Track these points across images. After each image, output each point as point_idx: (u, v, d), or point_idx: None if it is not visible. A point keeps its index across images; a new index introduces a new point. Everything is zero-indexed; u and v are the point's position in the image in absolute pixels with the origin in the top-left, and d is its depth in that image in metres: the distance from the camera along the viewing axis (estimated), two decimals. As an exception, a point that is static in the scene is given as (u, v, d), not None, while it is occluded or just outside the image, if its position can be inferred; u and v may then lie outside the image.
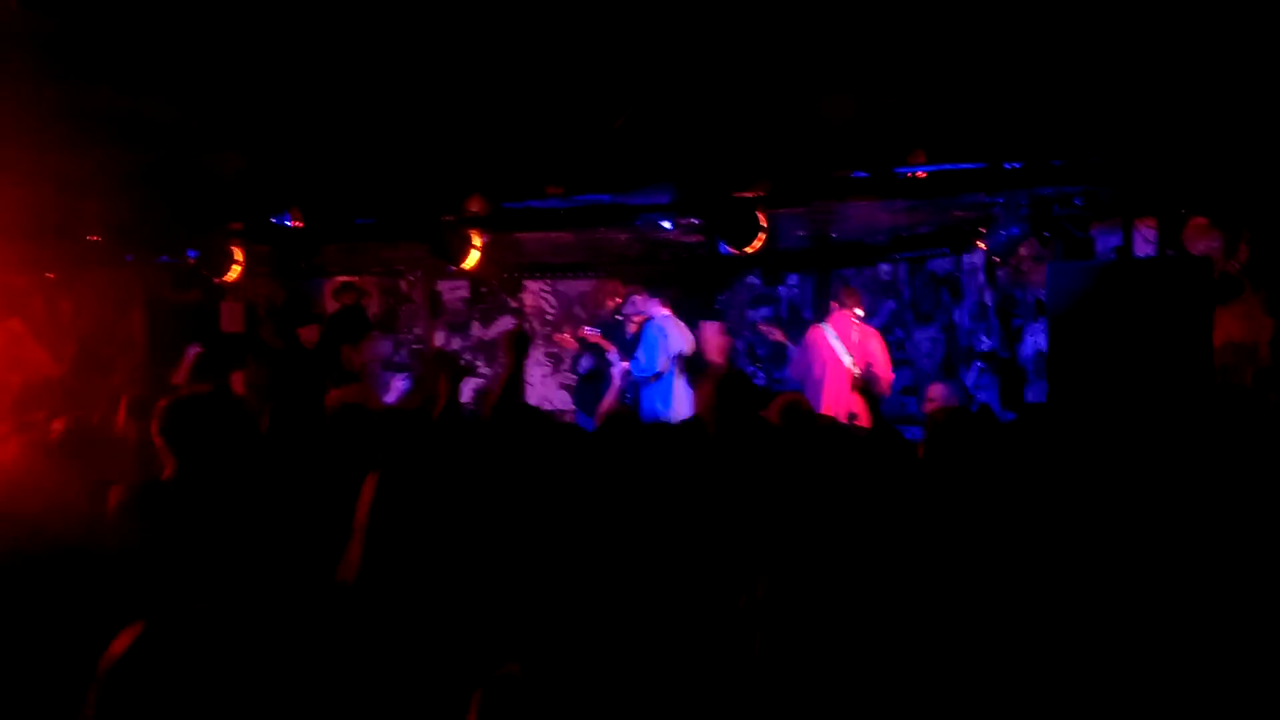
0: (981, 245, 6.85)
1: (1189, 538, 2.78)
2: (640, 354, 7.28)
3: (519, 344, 3.70)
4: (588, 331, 8.21)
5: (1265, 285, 5.08)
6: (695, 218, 5.78)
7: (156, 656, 1.30)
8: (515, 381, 3.62)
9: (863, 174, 4.84)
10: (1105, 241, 5.98)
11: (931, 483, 3.15)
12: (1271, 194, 4.93)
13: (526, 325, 10.01)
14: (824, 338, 7.03)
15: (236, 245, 6.47)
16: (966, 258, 7.82)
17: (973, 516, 2.80)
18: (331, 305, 9.67)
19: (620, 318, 8.37)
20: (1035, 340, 6.90)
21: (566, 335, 8.52)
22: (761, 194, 5.17)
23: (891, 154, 4.76)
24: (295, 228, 6.04)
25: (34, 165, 4.92)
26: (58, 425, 3.35)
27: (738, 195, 5.23)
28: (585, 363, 8.34)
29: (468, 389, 9.73)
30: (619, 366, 7.65)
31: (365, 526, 1.84)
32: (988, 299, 7.57)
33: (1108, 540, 2.83)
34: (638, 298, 7.49)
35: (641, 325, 7.50)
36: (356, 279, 9.73)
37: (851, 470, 2.94)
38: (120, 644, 1.31)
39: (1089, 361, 5.06)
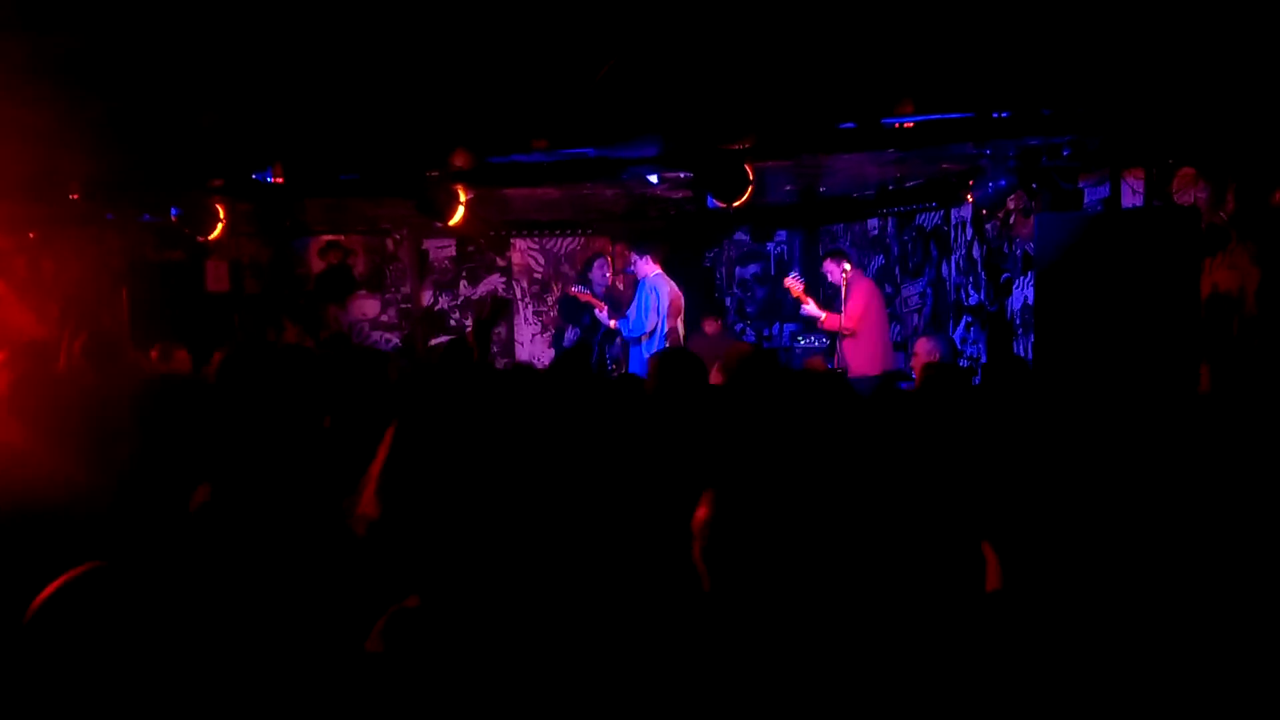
0: (970, 198, 6.83)
1: (1176, 493, 2.80)
2: (631, 312, 7.28)
3: (496, 307, 3.68)
4: (576, 290, 8.20)
5: (1252, 235, 5.08)
6: (682, 171, 5.74)
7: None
8: (483, 340, 3.61)
9: (850, 125, 4.79)
10: (1093, 194, 5.97)
11: (919, 434, 3.16)
12: (1258, 143, 4.92)
13: (511, 288, 9.97)
14: (870, 286, 7.20)
15: (219, 202, 6.39)
16: (955, 211, 7.80)
17: (955, 465, 2.81)
18: (317, 264, 9.61)
19: (623, 288, 8.35)
20: (1024, 294, 6.91)
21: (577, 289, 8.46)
22: (748, 146, 5.13)
23: (879, 104, 4.71)
24: (277, 184, 5.96)
25: (8, 121, 4.83)
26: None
27: (725, 148, 5.19)
28: (570, 335, 8.33)
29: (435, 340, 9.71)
30: (607, 324, 7.65)
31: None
32: (976, 253, 7.56)
33: (1091, 490, 2.86)
34: (632, 254, 7.46)
35: (634, 283, 7.50)
36: (342, 238, 9.67)
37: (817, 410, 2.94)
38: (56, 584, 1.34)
39: (1077, 313, 5.07)
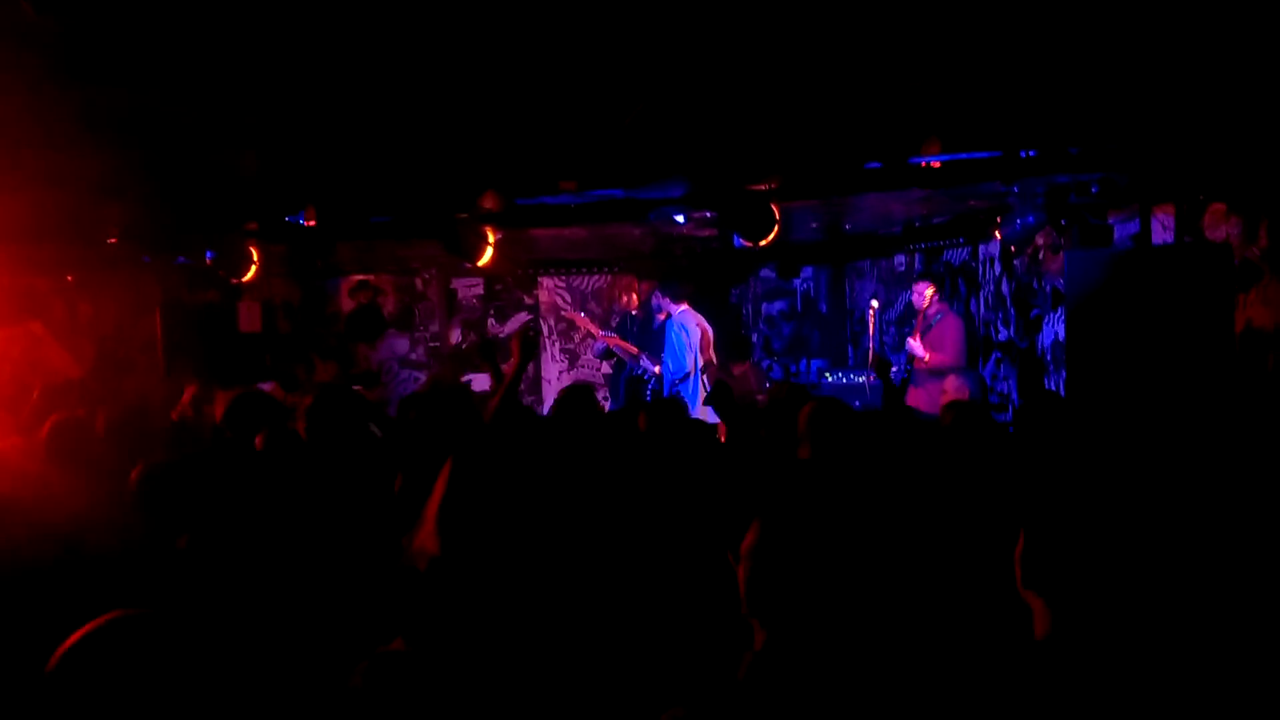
0: (998, 235, 6.80)
1: (1207, 528, 2.75)
2: (668, 359, 7.31)
3: (526, 345, 3.70)
4: (603, 335, 8.22)
5: (1287, 271, 5.01)
6: (708, 211, 5.77)
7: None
8: (517, 383, 3.63)
9: (876, 164, 4.81)
10: (1123, 229, 5.93)
11: (944, 472, 3.14)
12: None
13: (536, 324, 10.03)
14: (962, 323, 7.13)
15: (253, 245, 6.50)
16: (983, 248, 7.77)
17: (981, 503, 2.79)
18: (347, 304, 9.72)
19: (636, 313, 8.41)
20: (1054, 330, 6.85)
21: (582, 316, 8.54)
22: (775, 186, 5.16)
23: (906, 144, 4.73)
24: (310, 227, 6.06)
25: (50, 168, 4.96)
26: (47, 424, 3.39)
27: (751, 188, 5.22)
28: (599, 347, 8.38)
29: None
30: (652, 370, 7.68)
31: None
32: (1005, 289, 7.52)
33: (1123, 529, 2.81)
34: (657, 293, 7.50)
35: (662, 324, 7.52)
36: (372, 277, 9.79)
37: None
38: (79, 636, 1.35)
39: (1108, 350, 5.02)
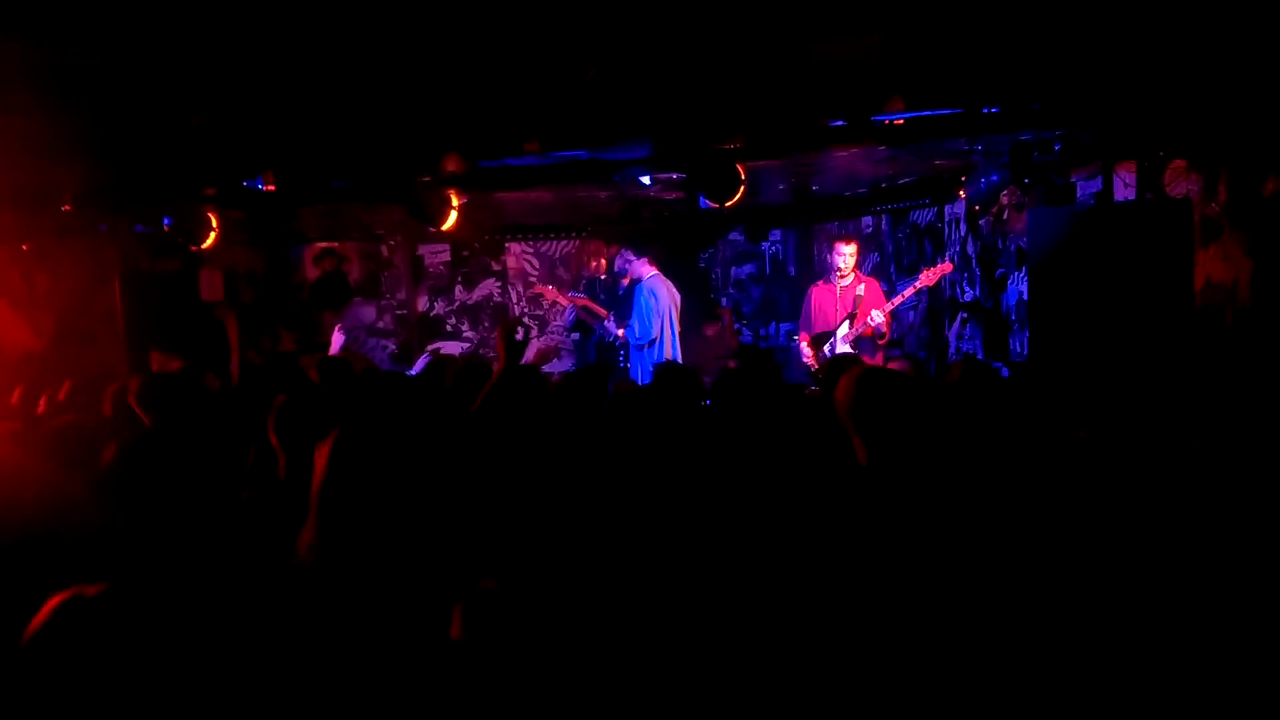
0: (963, 194, 6.82)
1: (1169, 484, 2.78)
2: (634, 322, 7.26)
3: (512, 345, 3.61)
4: (572, 296, 8.22)
5: (1245, 226, 5.08)
6: (674, 171, 5.73)
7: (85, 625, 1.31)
8: (506, 380, 3.56)
9: (840, 122, 4.79)
10: (1085, 188, 5.97)
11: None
12: (1250, 134, 4.91)
13: (506, 292, 9.97)
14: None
15: (211, 211, 6.39)
16: (949, 208, 7.80)
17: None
18: (312, 272, 9.60)
19: (604, 278, 8.39)
20: (1019, 289, 6.90)
21: (550, 288, 8.51)
22: (739, 146, 5.13)
23: (869, 102, 4.71)
24: (269, 191, 5.96)
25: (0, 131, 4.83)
26: (55, 423, 3.32)
27: (716, 147, 5.19)
28: (569, 316, 8.36)
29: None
30: (615, 333, 7.66)
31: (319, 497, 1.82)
32: (970, 249, 7.56)
33: (1079, 485, 2.84)
34: (629, 254, 7.43)
35: (631, 287, 7.48)
36: (337, 245, 9.67)
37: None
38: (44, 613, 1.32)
39: (1071, 307, 5.06)
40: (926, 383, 4.19)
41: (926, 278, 6.50)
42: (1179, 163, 5.38)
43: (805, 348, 6.86)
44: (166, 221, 6.49)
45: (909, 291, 6.62)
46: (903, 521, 2.12)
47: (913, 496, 2.24)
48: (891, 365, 5.68)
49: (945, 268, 6.61)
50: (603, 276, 8.44)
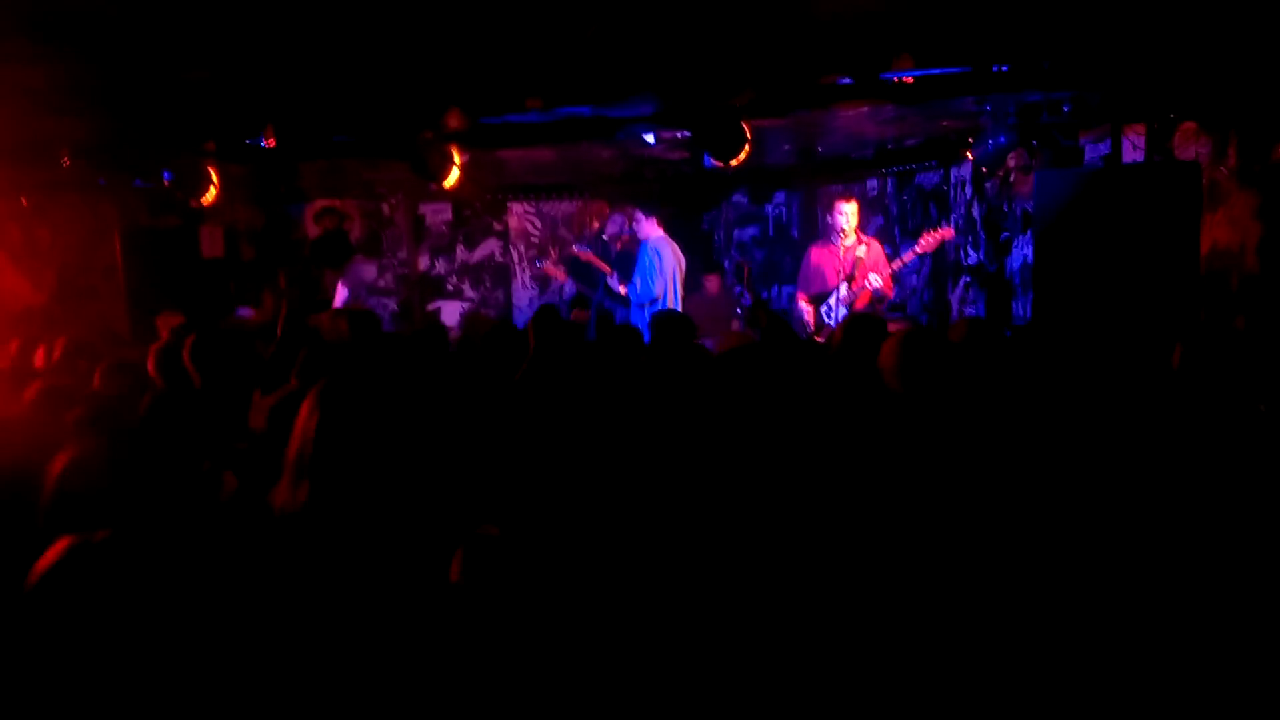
0: (969, 156, 6.76)
1: (1170, 452, 2.77)
2: (637, 279, 7.23)
3: (543, 326, 3.65)
4: (578, 249, 8.18)
5: (1253, 190, 5.04)
6: (679, 129, 5.67)
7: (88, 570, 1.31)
8: (540, 362, 3.59)
9: (848, 80, 4.73)
10: (1093, 150, 5.91)
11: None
12: (1261, 97, 4.86)
13: (509, 252, 9.93)
14: None
15: (211, 166, 6.34)
16: (954, 171, 7.74)
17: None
18: (313, 230, 9.56)
19: (607, 238, 8.35)
20: (1023, 253, 6.87)
21: (552, 265, 8.48)
22: (746, 102, 5.07)
23: (878, 59, 4.65)
24: (270, 146, 5.91)
25: (-2, 82, 4.78)
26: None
27: (722, 104, 5.13)
28: (569, 289, 8.34)
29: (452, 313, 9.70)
30: (617, 289, 7.63)
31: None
32: (975, 212, 7.51)
33: (1079, 454, 2.84)
34: (637, 213, 7.40)
35: (635, 246, 7.45)
36: (338, 203, 9.62)
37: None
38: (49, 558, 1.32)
39: (1076, 270, 5.04)
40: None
41: (926, 243, 6.43)
42: (1189, 125, 5.33)
43: (804, 305, 6.83)
44: (166, 176, 6.43)
45: (909, 256, 6.55)
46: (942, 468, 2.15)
47: (954, 451, 2.27)
48: (890, 328, 5.68)
49: (946, 233, 6.54)
50: (605, 237, 8.40)
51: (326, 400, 1.73)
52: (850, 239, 6.63)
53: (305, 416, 1.74)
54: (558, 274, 8.42)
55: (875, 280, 6.43)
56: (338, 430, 1.73)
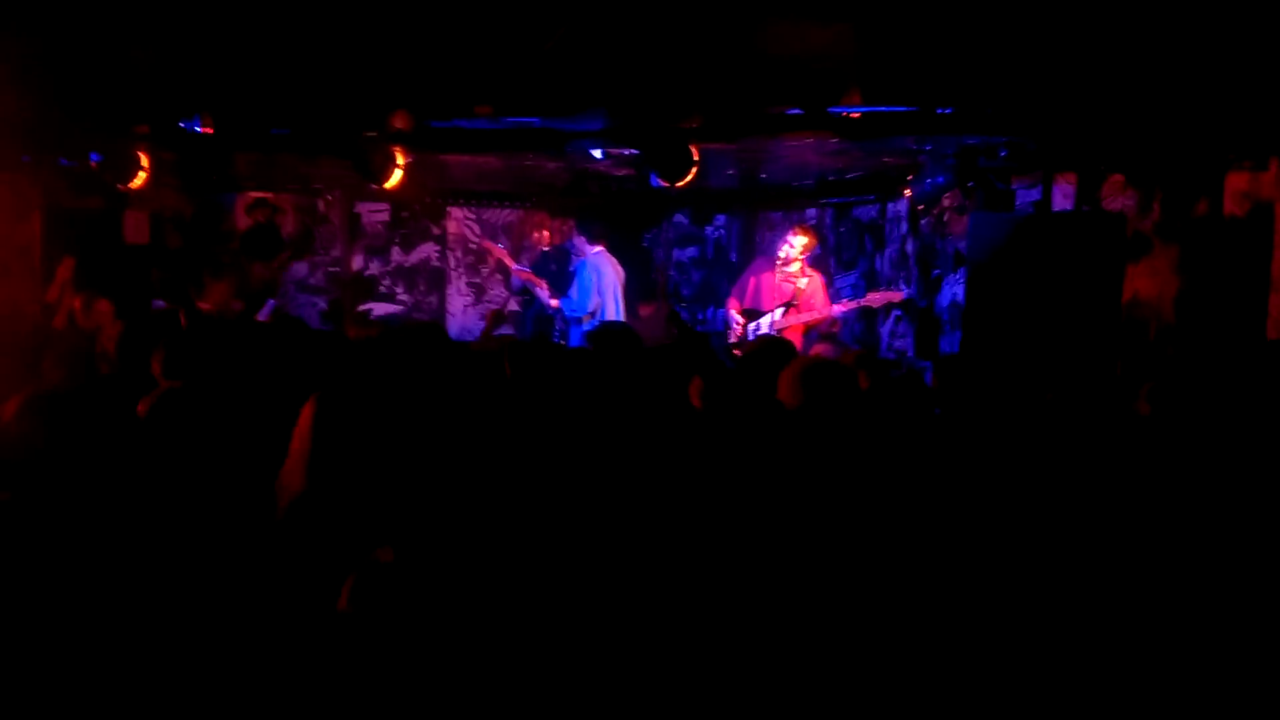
0: (907, 193, 6.92)
1: (1092, 496, 2.87)
2: (573, 293, 7.22)
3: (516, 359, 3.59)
4: (516, 268, 8.16)
5: (1175, 244, 5.26)
6: (628, 147, 5.69)
7: None
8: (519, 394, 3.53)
9: (798, 110, 4.81)
10: (1024, 196, 6.11)
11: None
12: (1186, 154, 5.08)
13: (445, 257, 9.83)
14: None
15: (142, 150, 6.13)
16: (891, 206, 7.91)
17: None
18: (244, 221, 9.32)
19: (549, 250, 8.32)
20: (953, 291, 7.05)
21: (500, 248, 8.42)
22: (695, 126, 5.12)
23: (827, 93, 4.74)
24: (205, 134, 5.74)
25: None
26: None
27: (672, 126, 5.17)
28: (516, 282, 8.30)
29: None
30: (548, 303, 7.61)
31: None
32: (909, 248, 7.68)
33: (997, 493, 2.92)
34: (575, 233, 7.42)
35: (574, 262, 7.46)
36: (271, 196, 9.39)
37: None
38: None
39: (1003, 310, 5.19)
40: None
41: (873, 299, 6.66)
42: (1117, 178, 5.54)
43: (735, 314, 6.91)
44: (94, 158, 6.20)
45: (852, 305, 6.76)
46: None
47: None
48: (817, 348, 5.83)
49: (895, 295, 6.76)
50: (545, 248, 8.37)
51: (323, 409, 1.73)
52: (794, 267, 6.71)
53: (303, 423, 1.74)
54: (495, 250, 8.36)
55: (834, 310, 6.68)
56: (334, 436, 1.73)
